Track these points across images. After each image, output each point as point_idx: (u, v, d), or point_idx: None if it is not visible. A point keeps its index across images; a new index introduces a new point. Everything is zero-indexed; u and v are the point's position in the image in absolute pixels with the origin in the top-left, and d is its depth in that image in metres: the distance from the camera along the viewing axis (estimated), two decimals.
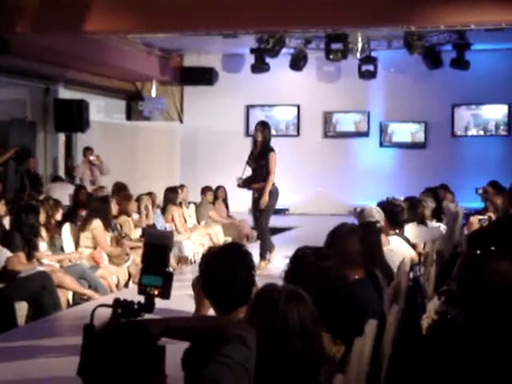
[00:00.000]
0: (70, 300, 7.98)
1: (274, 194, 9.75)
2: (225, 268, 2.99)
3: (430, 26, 13.53)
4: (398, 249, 6.22)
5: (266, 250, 9.66)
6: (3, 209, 9.03)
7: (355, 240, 4.09)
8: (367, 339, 3.26)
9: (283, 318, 1.82)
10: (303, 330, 1.86)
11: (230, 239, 13.13)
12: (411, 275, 6.26)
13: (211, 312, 3.23)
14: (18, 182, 13.03)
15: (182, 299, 7.75)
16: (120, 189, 11.90)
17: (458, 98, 17.27)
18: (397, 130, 17.68)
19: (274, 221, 15.88)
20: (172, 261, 10.66)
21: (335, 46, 14.62)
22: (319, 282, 2.94)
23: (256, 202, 9.71)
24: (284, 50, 15.38)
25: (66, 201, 12.61)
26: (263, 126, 9.86)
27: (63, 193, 13.14)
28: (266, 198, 9.59)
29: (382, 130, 17.68)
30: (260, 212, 9.72)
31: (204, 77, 17.66)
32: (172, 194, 12.28)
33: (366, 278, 4.03)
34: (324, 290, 2.89)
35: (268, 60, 15.88)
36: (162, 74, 17.54)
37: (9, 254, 7.48)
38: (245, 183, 9.85)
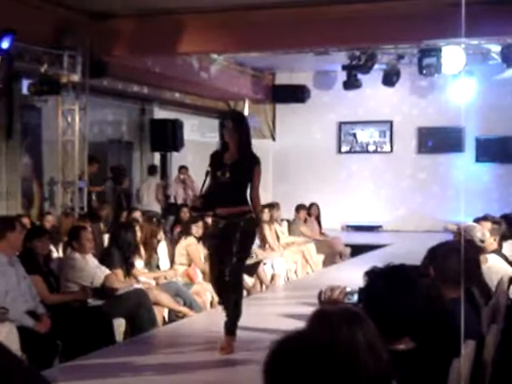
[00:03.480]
0: (166, 317, 8.10)
1: (251, 222, 6.39)
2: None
3: None
4: (497, 266, 6.06)
5: (237, 319, 6.38)
6: (102, 227, 9.26)
7: (455, 259, 4.01)
8: (465, 360, 3.18)
9: (350, 342, 1.78)
10: (371, 347, 1.82)
11: (322, 256, 13.09)
12: (510, 294, 6.08)
13: None
14: (115, 201, 13.36)
15: (273, 318, 7.78)
16: None
17: None
18: (493, 144, 17.26)
19: (367, 238, 15.84)
20: (265, 278, 10.69)
21: (428, 60, 14.42)
22: (418, 301, 2.88)
23: (228, 236, 6.22)
24: (376, 66, 15.28)
25: (149, 195, 13.03)
26: (236, 120, 6.47)
27: (147, 186, 13.55)
28: (263, 231, 7.11)
29: (478, 144, 17.30)
30: (233, 255, 6.22)
31: (296, 94, 17.72)
32: (263, 212, 12.33)
33: (463, 296, 3.94)
34: (422, 310, 2.84)
35: (360, 76, 15.80)
36: (254, 93, 17.69)
37: (107, 271, 7.66)
38: (206, 206, 6.56)
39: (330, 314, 1.89)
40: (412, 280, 2.88)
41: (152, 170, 15.17)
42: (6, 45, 9.68)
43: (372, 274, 2.92)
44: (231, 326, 6.31)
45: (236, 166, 6.32)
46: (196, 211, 7.12)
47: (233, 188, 6.29)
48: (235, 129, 6.33)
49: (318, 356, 1.70)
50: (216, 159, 6.43)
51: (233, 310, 6.34)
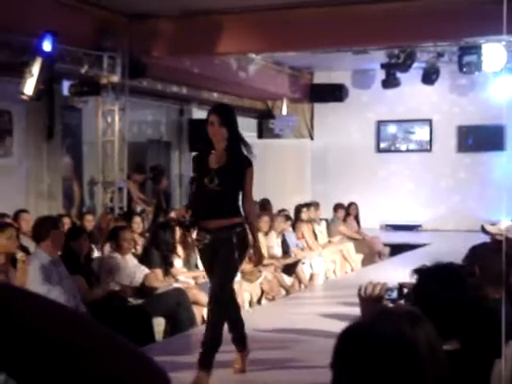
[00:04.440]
0: (205, 316, 8.12)
1: (243, 237, 5.53)
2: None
3: None
4: None
5: (243, 329, 5.74)
6: (141, 226, 9.32)
7: (498, 258, 3.97)
8: (507, 361, 3.15)
9: (413, 343, 1.76)
10: (432, 350, 1.79)
11: (361, 256, 13.04)
12: None
13: None
14: (155, 201, 13.45)
15: (312, 317, 7.77)
16: (264, 205, 12.19)
17: None
18: None
19: (406, 237, 15.71)
20: (304, 277, 10.68)
21: (468, 58, 14.27)
22: (467, 301, 2.85)
23: (217, 253, 5.42)
24: (415, 64, 15.17)
25: None
26: (223, 114, 5.55)
27: None
28: (260, 247, 5.77)
29: None
30: (222, 271, 5.42)
31: (334, 93, 17.65)
32: (302, 211, 12.33)
33: (504, 296, 3.89)
34: (471, 310, 2.81)
35: (399, 75, 15.70)
36: (292, 92, 17.68)
37: (147, 270, 7.72)
38: (192, 220, 5.56)
39: (393, 313, 1.87)
40: (462, 279, 2.84)
41: None
42: (47, 47, 9.81)
43: (423, 272, 2.87)
44: (239, 340, 5.64)
45: (225, 171, 5.42)
46: (183, 227, 5.79)
47: (223, 197, 5.40)
48: (222, 124, 5.44)
49: (380, 352, 1.68)
50: (200, 163, 5.57)
51: (236, 324, 5.62)
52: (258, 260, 5.72)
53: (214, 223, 5.42)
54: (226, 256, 5.40)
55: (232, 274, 5.56)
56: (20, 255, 6.43)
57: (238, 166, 5.46)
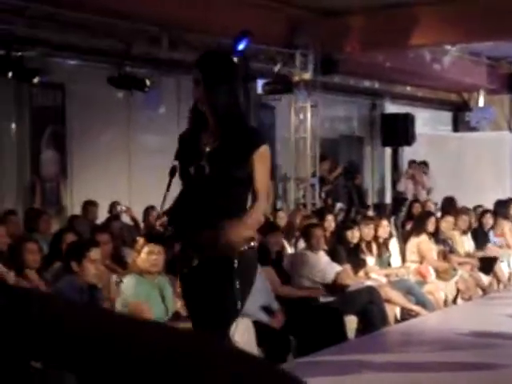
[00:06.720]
0: (398, 315, 8.00)
1: (251, 259, 3.68)
2: None
3: None
4: None
5: None
6: (333, 225, 9.33)
7: None
8: None
9: None
10: None
11: None
12: None
13: None
14: (346, 198, 13.44)
15: (504, 318, 7.41)
16: (448, 203, 11.82)
17: None
18: None
19: None
20: (502, 276, 10.26)
21: None
22: None
23: (207, 284, 3.59)
24: None
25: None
26: (210, 69, 3.66)
27: None
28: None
29: None
30: (212, 314, 3.60)
31: None
32: (503, 208, 11.83)
33: None
34: None
35: None
36: (489, 83, 16.99)
37: (338, 268, 7.71)
38: (174, 230, 3.63)
39: None
40: None
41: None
42: (242, 46, 10.09)
43: None
44: None
45: (219, 155, 3.61)
46: (154, 240, 4.38)
47: (217, 195, 3.60)
48: (210, 86, 3.60)
49: None
50: (187, 145, 3.73)
51: None
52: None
53: (203, 237, 3.55)
54: (218, 288, 3.55)
55: (228, 317, 3.63)
56: None
57: (240, 146, 3.64)
